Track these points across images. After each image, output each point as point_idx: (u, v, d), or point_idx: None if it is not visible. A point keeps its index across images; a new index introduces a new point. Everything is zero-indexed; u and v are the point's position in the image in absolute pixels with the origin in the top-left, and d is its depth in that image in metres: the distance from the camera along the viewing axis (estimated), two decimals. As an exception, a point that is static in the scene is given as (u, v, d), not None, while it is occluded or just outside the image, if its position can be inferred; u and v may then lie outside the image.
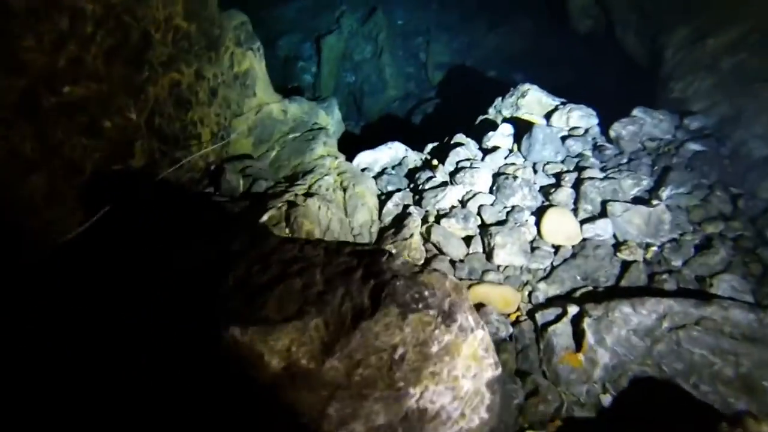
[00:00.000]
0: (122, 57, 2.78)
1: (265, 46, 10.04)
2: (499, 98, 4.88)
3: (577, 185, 3.55)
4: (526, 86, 4.65)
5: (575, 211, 3.42)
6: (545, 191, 3.62)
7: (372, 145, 4.77)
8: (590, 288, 2.99)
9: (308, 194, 3.59)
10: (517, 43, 9.49)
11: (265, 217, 3.12)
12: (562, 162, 3.90)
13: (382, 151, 4.38)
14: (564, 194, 3.50)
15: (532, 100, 4.56)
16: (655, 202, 3.33)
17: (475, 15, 10.28)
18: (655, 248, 3.12)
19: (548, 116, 4.42)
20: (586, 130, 4.16)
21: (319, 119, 5.48)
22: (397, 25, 10.49)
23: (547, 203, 3.53)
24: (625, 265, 3.07)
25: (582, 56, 7.67)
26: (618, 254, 3.13)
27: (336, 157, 4.41)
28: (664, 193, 3.41)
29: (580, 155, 3.90)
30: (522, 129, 4.29)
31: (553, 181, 3.75)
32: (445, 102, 8.45)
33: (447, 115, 7.94)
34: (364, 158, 4.39)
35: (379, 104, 9.19)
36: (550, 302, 2.97)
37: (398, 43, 10.07)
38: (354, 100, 9.52)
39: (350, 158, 4.78)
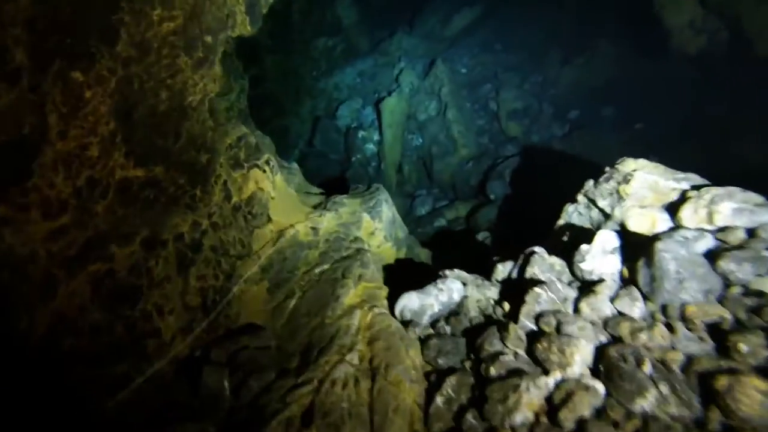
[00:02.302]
0: None
1: (325, 118, 9.11)
2: (591, 182, 3.21)
3: None
4: (630, 165, 2.95)
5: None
6: (700, 374, 1.91)
7: (422, 278, 3.28)
8: None
9: (309, 413, 2.20)
10: (600, 74, 7.56)
11: None
12: (720, 302, 2.16)
13: (432, 294, 2.88)
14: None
15: (641, 186, 2.85)
16: None
17: (545, 49, 8.53)
18: None
19: (673, 209, 2.68)
20: (751, 233, 2.36)
21: (361, 229, 4.14)
22: (461, 75, 9.00)
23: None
24: None
25: (691, 82, 5.68)
26: None
27: (371, 306, 3.00)
28: None
29: (757, 294, 2.11)
30: (632, 241, 2.61)
31: (709, 347, 2.02)
32: (525, 161, 6.75)
33: (527, 181, 6.25)
34: (408, 304, 2.92)
35: (451, 167, 7.67)
36: None
37: (464, 95, 8.55)
38: (423, 164, 8.10)
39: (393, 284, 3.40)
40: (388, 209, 4.53)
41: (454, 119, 8.02)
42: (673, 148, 5.46)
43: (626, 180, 2.89)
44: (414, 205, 7.54)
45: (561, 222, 3.33)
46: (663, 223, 2.65)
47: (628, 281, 2.41)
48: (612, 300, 2.34)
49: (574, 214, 3.31)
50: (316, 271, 3.47)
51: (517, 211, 5.73)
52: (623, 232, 2.74)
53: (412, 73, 8.96)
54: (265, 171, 3.65)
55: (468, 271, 3.27)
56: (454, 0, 10.22)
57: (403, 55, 9.65)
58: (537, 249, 2.88)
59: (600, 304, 2.31)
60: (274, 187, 3.73)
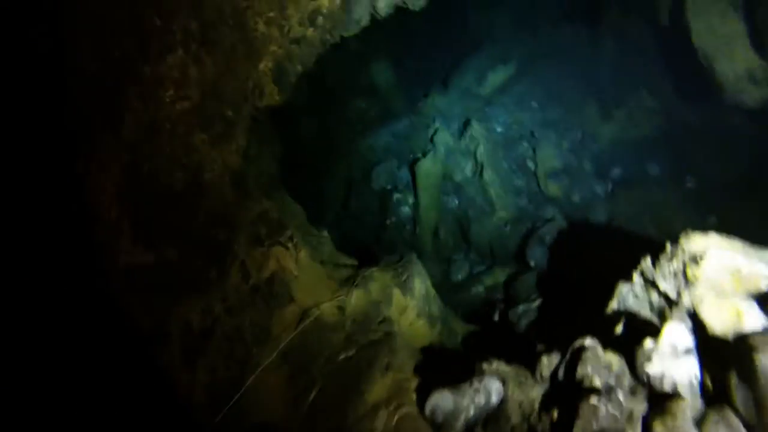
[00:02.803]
0: None
1: (360, 181, 8.90)
2: (648, 259, 2.75)
3: None
4: (699, 242, 2.49)
5: None
6: None
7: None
8: None
9: None
10: (643, 127, 7.14)
11: None
12: None
13: (467, 394, 2.45)
14: None
15: (717, 269, 2.38)
16: None
17: (582, 104, 8.18)
18: None
19: (765, 301, 2.21)
20: None
21: (391, 306, 3.75)
22: (497, 134, 8.71)
23: None
24: None
25: (748, 136, 5.19)
26: None
27: (398, 405, 2.60)
28: None
29: None
30: (712, 340, 2.15)
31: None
32: (567, 225, 6.29)
33: (570, 248, 5.77)
34: (440, 404, 2.49)
35: (489, 230, 7.24)
36: None
37: (501, 155, 8.22)
38: (461, 228, 7.71)
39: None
40: (421, 283, 4.15)
41: (491, 180, 7.67)
42: (733, 210, 4.92)
43: (695, 260, 2.43)
44: (450, 270, 7.11)
45: (614, 305, 2.86)
46: (753, 318, 2.16)
47: (714, 397, 1.93)
48: (697, 423, 1.86)
49: (629, 295, 2.84)
50: (341, 357, 3.10)
51: (560, 281, 5.23)
52: (697, 327, 2.27)
53: (447, 134, 8.73)
54: (288, 248, 3.37)
55: (508, 357, 2.84)
56: (489, 58, 10.10)
57: (438, 115, 9.49)
58: (588, 342, 2.43)
59: (681, 431, 1.83)
60: (298, 264, 3.43)
